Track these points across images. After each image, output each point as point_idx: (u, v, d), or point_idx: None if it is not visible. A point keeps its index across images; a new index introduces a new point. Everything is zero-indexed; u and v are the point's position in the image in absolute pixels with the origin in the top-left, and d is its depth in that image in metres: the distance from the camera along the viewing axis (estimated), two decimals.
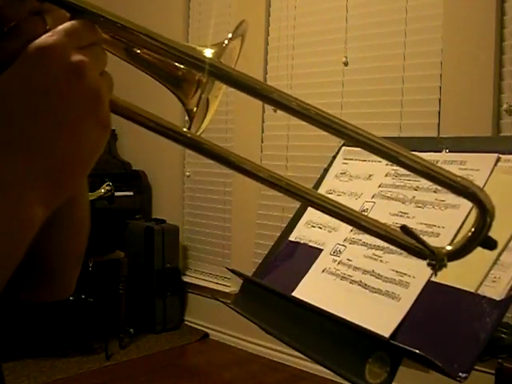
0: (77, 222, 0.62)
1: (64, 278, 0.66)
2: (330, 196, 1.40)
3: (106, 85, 0.45)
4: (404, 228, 0.49)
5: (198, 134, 0.50)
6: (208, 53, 0.47)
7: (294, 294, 1.23)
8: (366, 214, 1.27)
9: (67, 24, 0.44)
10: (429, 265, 0.49)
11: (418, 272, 1.05)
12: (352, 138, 0.47)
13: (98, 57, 0.45)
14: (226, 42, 0.48)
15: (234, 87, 0.46)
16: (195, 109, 0.49)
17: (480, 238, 0.48)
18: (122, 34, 0.47)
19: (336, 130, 0.47)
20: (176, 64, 0.49)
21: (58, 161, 0.43)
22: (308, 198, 0.50)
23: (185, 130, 0.49)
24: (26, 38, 0.44)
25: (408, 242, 0.49)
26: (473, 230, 0.48)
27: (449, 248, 0.49)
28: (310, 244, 1.34)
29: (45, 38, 0.42)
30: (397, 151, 0.47)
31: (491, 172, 1.10)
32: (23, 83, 0.42)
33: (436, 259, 0.48)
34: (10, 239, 0.41)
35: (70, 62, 0.42)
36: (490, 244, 0.48)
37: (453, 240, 1.06)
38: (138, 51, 0.50)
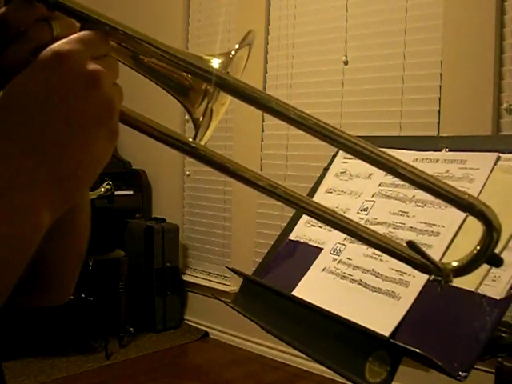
0: (77, 226, 0.62)
1: (62, 284, 0.66)
2: (329, 195, 1.40)
3: (117, 95, 0.45)
4: (410, 244, 0.49)
5: (203, 143, 0.49)
6: (215, 63, 0.47)
7: (293, 293, 1.23)
8: (365, 213, 1.27)
9: (82, 33, 0.44)
10: (434, 280, 0.49)
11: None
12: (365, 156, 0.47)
13: (111, 67, 0.45)
14: (234, 52, 0.48)
15: (242, 100, 0.46)
16: (201, 118, 0.48)
17: (486, 254, 0.48)
18: (129, 42, 0.47)
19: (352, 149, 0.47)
20: (183, 73, 0.49)
21: (69, 167, 0.43)
22: (307, 208, 0.50)
23: (190, 139, 0.49)
24: (33, 44, 0.44)
25: (413, 256, 0.49)
26: (479, 247, 0.48)
27: (455, 264, 0.49)
28: (310, 243, 1.34)
29: (61, 45, 0.42)
30: (396, 163, 0.47)
31: (491, 171, 1.10)
32: (40, 87, 0.42)
33: (442, 275, 0.48)
34: (18, 243, 0.41)
35: (87, 71, 0.42)
36: (496, 261, 0.48)
37: (452, 239, 1.06)
38: (145, 59, 0.50)
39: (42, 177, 0.41)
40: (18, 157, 0.41)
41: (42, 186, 0.41)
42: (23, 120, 0.41)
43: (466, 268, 0.49)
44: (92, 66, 0.43)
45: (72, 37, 0.43)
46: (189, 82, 0.49)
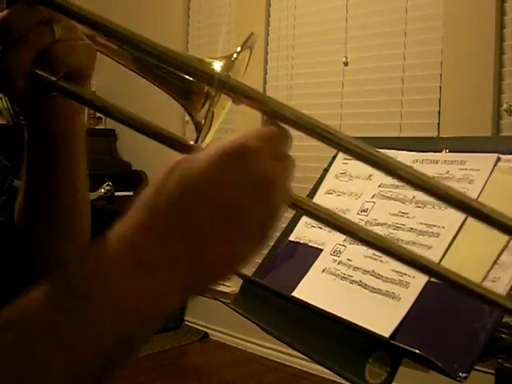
0: (79, 227, 0.62)
1: None
2: (329, 196, 1.40)
3: (285, 201, 0.43)
4: None
5: (204, 146, 0.49)
6: (217, 66, 0.47)
7: (293, 293, 1.23)
8: (365, 214, 1.27)
9: (270, 129, 0.43)
10: None
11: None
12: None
13: (287, 169, 0.44)
14: (235, 55, 0.48)
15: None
16: (203, 121, 0.48)
17: None
18: (131, 45, 0.46)
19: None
20: (185, 76, 0.49)
21: (215, 263, 0.42)
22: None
23: (192, 142, 0.48)
24: (34, 48, 0.44)
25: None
26: None
27: None
28: (310, 244, 1.34)
29: (250, 141, 0.41)
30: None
31: (491, 172, 1.10)
32: (216, 179, 0.40)
33: None
34: (149, 323, 0.41)
35: (265, 174, 0.41)
36: None
37: (452, 240, 1.06)
38: (147, 63, 0.49)
39: (185, 263, 0.41)
40: (169, 237, 0.40)
41: (182, 271, 0.41)
42: (183, 204, 0.41)
43: None
44: (270, 170, 0.41)
45: (260, 132, 0.42)
46: (191, 85, 0.49)
